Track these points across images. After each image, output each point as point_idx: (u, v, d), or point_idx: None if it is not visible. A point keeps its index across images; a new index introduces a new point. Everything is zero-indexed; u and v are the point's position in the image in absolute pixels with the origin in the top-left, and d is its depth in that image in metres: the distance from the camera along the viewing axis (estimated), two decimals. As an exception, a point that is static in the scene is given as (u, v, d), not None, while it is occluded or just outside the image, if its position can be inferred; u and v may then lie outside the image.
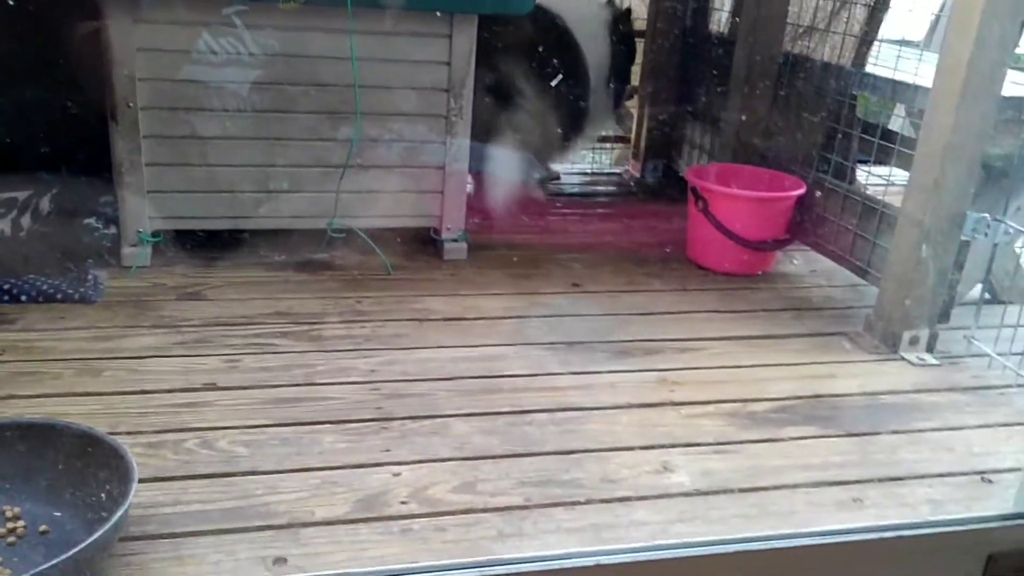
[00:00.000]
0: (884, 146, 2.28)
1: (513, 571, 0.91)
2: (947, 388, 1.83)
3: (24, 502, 1.23)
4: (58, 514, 1.22)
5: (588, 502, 1.37)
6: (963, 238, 1.89)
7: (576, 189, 3.04)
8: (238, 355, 1.74)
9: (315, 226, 2.18)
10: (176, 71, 1.97)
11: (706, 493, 1.42)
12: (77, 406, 1.52)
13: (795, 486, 1.46)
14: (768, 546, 0.92)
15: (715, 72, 2.73)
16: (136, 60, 1.94)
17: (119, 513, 1.11)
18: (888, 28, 2.36)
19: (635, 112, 3.12)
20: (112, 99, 1.96)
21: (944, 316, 1.96)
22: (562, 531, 1.30)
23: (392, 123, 2.14)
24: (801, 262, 2.48)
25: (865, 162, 2.41)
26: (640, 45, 2.96)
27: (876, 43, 2.33)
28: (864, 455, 1.57)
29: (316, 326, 1.88)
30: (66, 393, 1.56)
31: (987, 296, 2.04)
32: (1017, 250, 2.16)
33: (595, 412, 1.64)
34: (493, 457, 1.47)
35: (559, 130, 2.76)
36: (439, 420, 1.56)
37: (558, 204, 2.91)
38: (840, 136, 2.37)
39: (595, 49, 2.71)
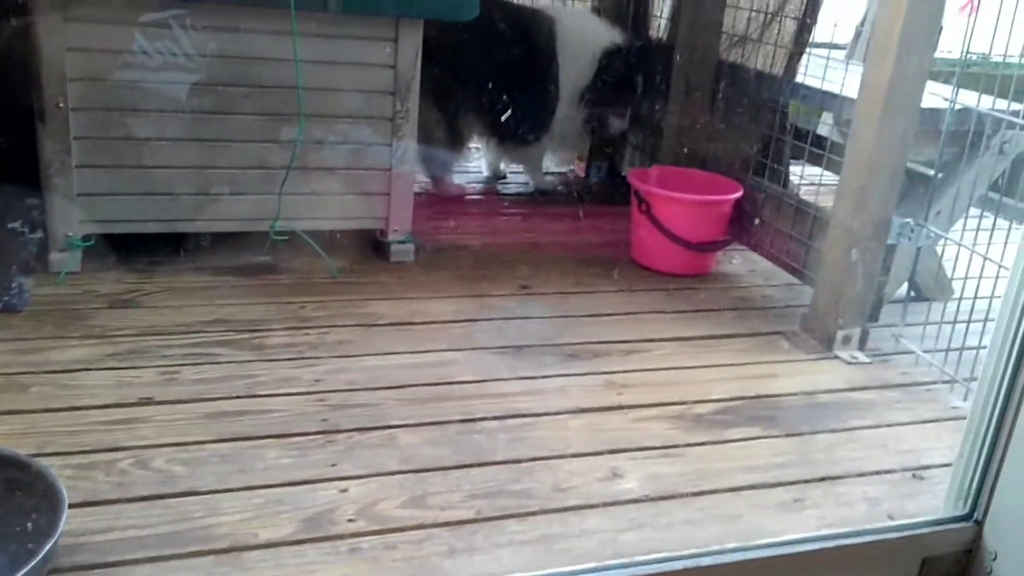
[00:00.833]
0: (814, 152, 2.37)
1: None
2: (879, 385, 1.90)
3: (-61, 536, 1.15)
4: (-21, 548, 1.15)
5: (539, 512, 1.37)
6: (889, 242, 2.00)
7: (522, 188, 3.04)
8: (175, 367, 1.68)
9: (257, 228, 2.13)
10: (110, 71, 1.90)
11: (655, 499, 1.44)
12: (0, 426, 1.44)
13: (739, 489, 1.49)
14: (717, 561, 0.94)
15: (656, 77, 2.76)
16: (66, 59, 1.87)
17: (48, 545, 1.05)
18: (817, 34, 2.44)
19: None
20: (40, 99, 1.88)
21: (874, 315, 2.06)
22: (514, 544, 1.30)
23: (337, 125, 2.11)
24: (740, 262, 2.54)
25: (798, 158, 2.49)
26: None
27: (805, 55, 2.41)
28: (803, 455, 1.62)
29: (258, 334, 1.84)
30: (-11, 412, 1.48)
31: (912, 295, 2.14)
32: (938, 252, 2.27)
33: (544, 418, 1.64)
34: (442, 469, 1.46)
35: (509, 135, 2.77)
36: (386, 431, 1.55)
37: (504, 204, 2.92)
38: (774, 142, 2.45)
39: (574, 70, 2.71)
